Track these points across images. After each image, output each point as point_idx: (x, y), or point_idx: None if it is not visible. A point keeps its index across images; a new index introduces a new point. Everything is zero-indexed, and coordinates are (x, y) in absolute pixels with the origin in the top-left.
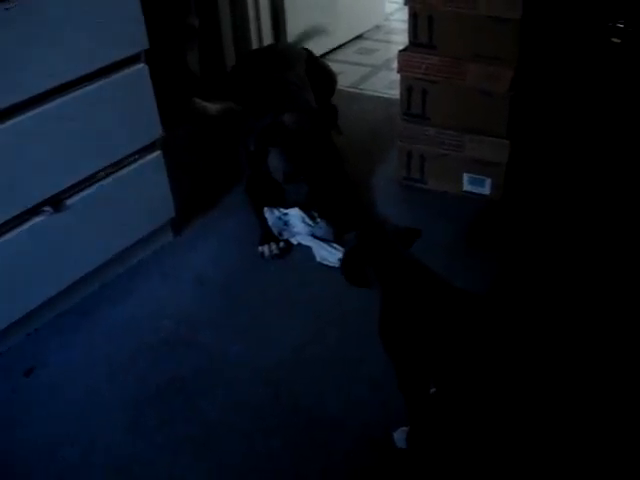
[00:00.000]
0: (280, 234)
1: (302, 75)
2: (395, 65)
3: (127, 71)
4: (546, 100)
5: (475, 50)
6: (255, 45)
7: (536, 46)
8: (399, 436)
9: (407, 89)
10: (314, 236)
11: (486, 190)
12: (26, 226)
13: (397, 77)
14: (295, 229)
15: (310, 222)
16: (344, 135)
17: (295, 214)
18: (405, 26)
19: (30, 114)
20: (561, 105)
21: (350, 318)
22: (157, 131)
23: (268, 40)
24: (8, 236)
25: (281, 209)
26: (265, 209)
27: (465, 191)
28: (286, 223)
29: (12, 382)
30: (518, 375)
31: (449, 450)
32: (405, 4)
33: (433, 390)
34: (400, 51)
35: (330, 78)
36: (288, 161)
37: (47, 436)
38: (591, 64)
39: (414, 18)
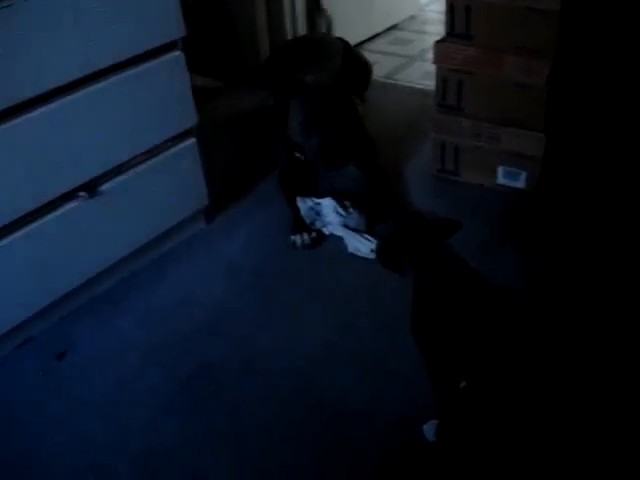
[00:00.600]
0: (312, 224)
1: (339, 66)
2: (430, 56)
3: (163, 58)
4: (584, 94)
5: (512, 42)
6: (290, 36)
7: (575, 39)
8: (429, 429)
9: (443, 80)
10: (346, 226)
11: (521, 184)
12: (61, 210)
13: (432, 68)
14: (327, 219)
15: (342, 212)
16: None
17: (327, 204)
18: (440, 17)
19: (66, 100)
20: (599, 99)
21: (381, 311)
22: (192, 118)
23: (303, 30)
24: (44, 220)
25: (314, 199)
26: (298, 198)
27: (499, 184)
28: (318, 213)
29: (44, 365)
30: (548, 372)
31: (478, 444)
32: None
33: (463, 384)
34: (436, 42)
35: (366, 69)
36: (304, 112)
37: (75, 422)
38: (632, 58)
39: (451, 8)
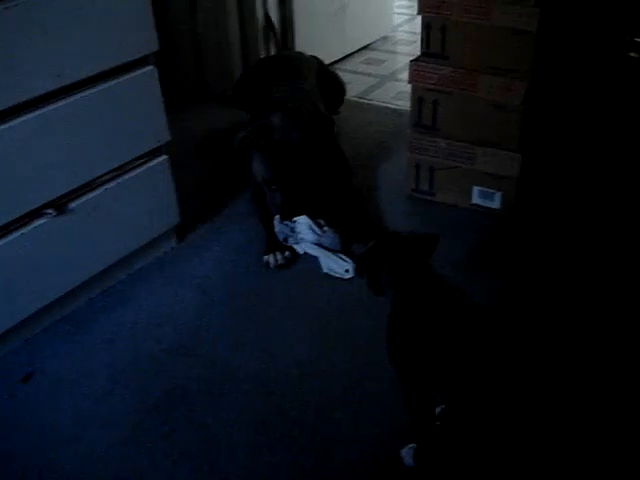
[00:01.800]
0: (285, 240)
1: (313, 84)
2: (402, 76)
3: (136, 73)
4: (559, 114)
5: (489, 62)
6: (263, 54)
7: (550, 59)
8: (407, 453)
9: (418, 100)
10: (321, 245)
11: (496, 204)
12: (28, 229)
13: (405, 88)
14: (301, 236)
15: (317, 230)
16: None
17: (302, 221)
18: (412, 37)
19: (35, 114)
20: (575, 119)
21: (356, 332)
22: (164, 135)
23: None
24: (9, 238)
25: None
26: (276, 216)
27: (474, 204)
28: (292, 230)
29: (9, 388)
30: (527, 390)
31: (457, 467)
32: (418, 14)
33: (441, 408)
34: (412, 61)
35: (340, 88)
36: (268, 168)
37: (43, 446)
38: (607, 78)
39: (427, 27)
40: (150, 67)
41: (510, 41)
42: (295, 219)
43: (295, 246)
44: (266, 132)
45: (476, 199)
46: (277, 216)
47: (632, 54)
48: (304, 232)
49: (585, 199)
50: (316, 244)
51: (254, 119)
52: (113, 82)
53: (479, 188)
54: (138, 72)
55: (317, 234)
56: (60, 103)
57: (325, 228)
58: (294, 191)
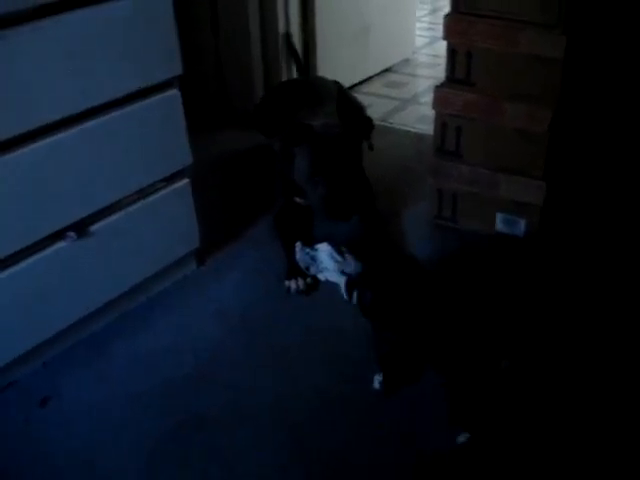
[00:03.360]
0: (307, 269)
1: (333, 109)
2: (425, 99)
3: (159, 97)
4: (585, 142)
5: (514, 89)
6: (284, 77)
7: (578, 86)
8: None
9: (442, 125)
10: (343, 272)
11: (520, 231)
12: (48, 251)
13: (427, 111)
14: (323, 265)
15: (339, 258)
16: (379, 156)
17: (324, 249)
18: (434, 60)
19: (57, 137)
20: (601, 148)
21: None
22: (187, 159)
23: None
24: (30, 260)
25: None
26: (297, 243)
27: (498, 231)
28: (314, 258)
29: (26, 412)
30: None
31: None
32: (444, 39)
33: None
34: (437, 87)
35: (361, 113)
36: (311, 160)
37: (56, 472)
38: (635, 106)
39: (452, 53)
40: (174, 91)
41: (536, 68)
42: (316, 247)
43: (317, 275)
44: (307, 129)
45: (500, 226)
46: (298, 243)
47: None
48: (326, 261)
49: (611, 228)
50: (338, 271)
51: (283, 145)
52: (136, 105)
53: (503, 215)
54: (162, 96)
55: (338, 262)
56: (82, 126)
57: (347, 255)
58: (337, 183)
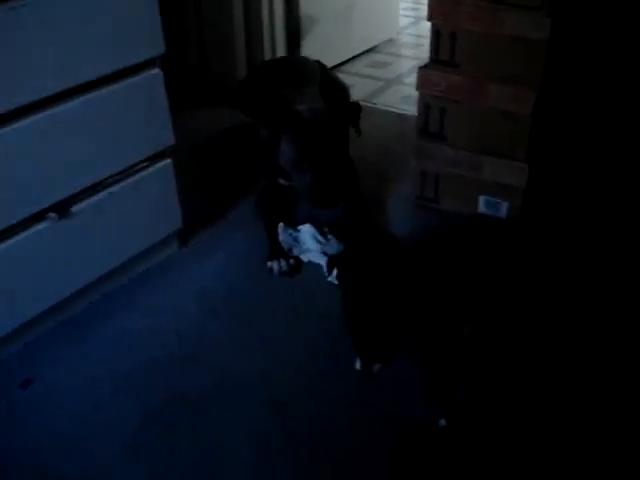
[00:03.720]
0: (290, 250)
1: (316, 90)
2: (408, 80)
3: (141, 76)
4: (569, 125)
5: (498, 70)
6: (268, 56)
7: (561, 69)
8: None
9: (425, 107)
10: (325, 254)
11: (502, 213)
12: (30, 232)
13: (410, 92)
14: (305, 246)
15: (322, 239)
16: (362, 137)
17: (306, 230)
18: (418, 41)
19: (38, 117)
20: (584, 131)
21: None
22: (169, 139)
23: (282, 51)
24: (11, 241)
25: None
26: (280, 224)
27: (480, 213)
28: (296, 239)
29: (8, 393)
30: None
31: None
32: (428, 20)
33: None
34: (420, 68)
35: (343, 93)
36: (298, 148)
37: (41, 453)
38: (618, 90)
39: (436, 35)
40: (156, 70)
41: (521, 50)
42: (299, 228)
43: (300, 255)
44: (294, 115)
45: (482, 208)
46: (281, 224)
47: None
48: (308, 242)
49: (593, 211)
50: (321, 252)
51: (261, 121)
52: (118, 85)
53: (485, 197)
54: (144, 75)
55: (321, 243)
56: (64, 105)
57: (329, 236)
58: (325, 170)
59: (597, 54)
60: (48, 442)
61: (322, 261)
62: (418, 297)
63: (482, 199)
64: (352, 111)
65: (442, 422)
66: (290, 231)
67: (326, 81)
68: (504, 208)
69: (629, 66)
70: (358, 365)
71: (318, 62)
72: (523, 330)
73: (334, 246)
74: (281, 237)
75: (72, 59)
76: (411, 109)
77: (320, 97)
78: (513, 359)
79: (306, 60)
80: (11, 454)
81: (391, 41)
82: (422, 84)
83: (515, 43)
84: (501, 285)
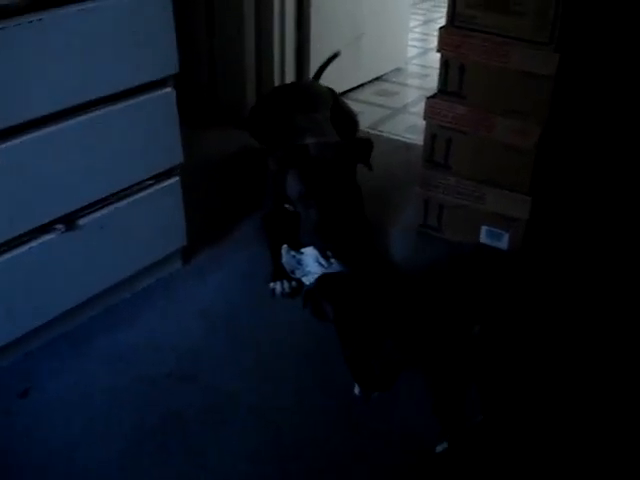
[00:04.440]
0: (292, 272)
1: (327, 117)
2: (415, 109)
3: (154, 94)
4: (574, 159)
5: (505, 104)
6: (278, 80)
7: (568, 104)
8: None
9: (432, 136)
10: None
11: (504, 245)
12: (36, 243)
13: (416, 121)
14: (308, 268)
15: (324, 262)
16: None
17: (310, 253)
18: (425, 71)
19: (50, 130)
20: (589, 166)
21: None
22: (178, 157)
23: (291, 77)
24: (16, 252)
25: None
26: (284, 246)
27: (482, 244)
28: (299, 262)
29: (6, 402)
30: None
31: None
32: (438, 51)
33: None
34: (428, 98)
35: (352, 121)
36: (304, 183)
37: (34, 465)
38: (625, 126)
39: (445, 66)
40: (169, 89)
41: (528, 85)
42: (302, 251)
43: (302, 278)
44: (301, 150)
45: (484, 238)
46: (285, 246)
47: None
48: (311, 265)
49: (595, 245)
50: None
51: (273, 147)
52: (131, 102)
53: (487, 228)
54: (156, 93)
55: (323, 266)
56: (76, 120)
57: (332, 260)
58: (330, 206)
59: (603, 91)
60: (41, 453)
61: None
62: (419, 312)
63: (484, 229)
64: (363, 148)
65: (439, 448)
66: (293, 253)
67: (337, 109)
68: (506, 239)
69: (635, 105)
70: (357, 391)
71: (330, 89)
72: (524, 357)
73: (336, 270)
74: (284, 259)
75: (85, 75)
76: (416, 138)
77: (330, 124)
78: (518, 378)
79: (318, 86)
80: (5, 462)
81: (399, 70)
82: (429, 114)
83: (522, 77)
84: (502, 313)
